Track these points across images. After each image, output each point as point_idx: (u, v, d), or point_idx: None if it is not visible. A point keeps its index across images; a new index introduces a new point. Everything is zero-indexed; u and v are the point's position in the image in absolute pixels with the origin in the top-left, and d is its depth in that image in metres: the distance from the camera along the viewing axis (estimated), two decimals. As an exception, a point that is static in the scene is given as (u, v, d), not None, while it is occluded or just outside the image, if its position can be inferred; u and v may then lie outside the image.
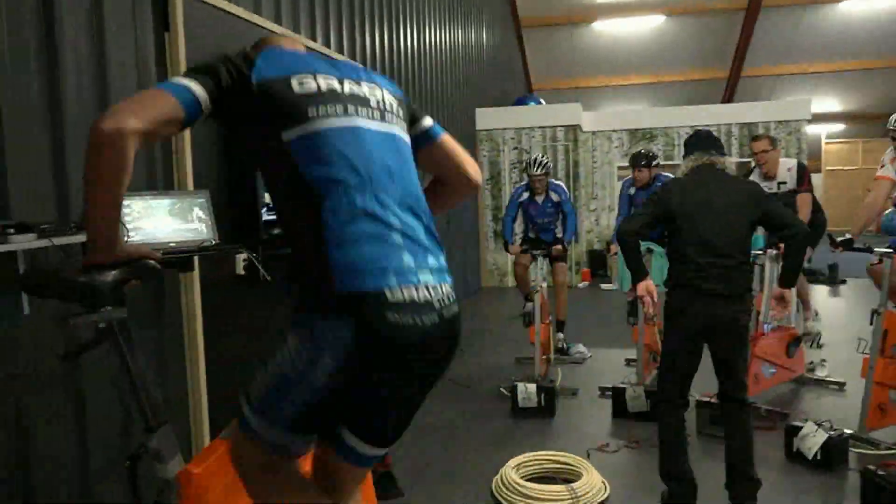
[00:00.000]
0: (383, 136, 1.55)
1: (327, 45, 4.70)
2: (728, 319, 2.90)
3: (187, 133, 3.04)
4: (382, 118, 1.57)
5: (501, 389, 4.64)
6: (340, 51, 5.09)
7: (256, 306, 3.53)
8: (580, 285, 10.21)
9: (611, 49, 15.74)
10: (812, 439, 3.53)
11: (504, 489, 3.24)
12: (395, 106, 1.63)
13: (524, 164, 5.51)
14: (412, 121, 1.69)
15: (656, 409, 3.28)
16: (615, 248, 5.40)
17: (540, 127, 9.92)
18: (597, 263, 10.11)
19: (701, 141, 3.17)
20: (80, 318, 1.35)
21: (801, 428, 3.61)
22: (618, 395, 4.38)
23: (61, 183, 2.37)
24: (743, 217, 2.94)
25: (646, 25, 15.01)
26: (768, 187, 4.82)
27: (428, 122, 1.75)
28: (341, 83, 1.54)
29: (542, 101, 12.50)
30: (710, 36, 15.43)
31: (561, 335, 5.83)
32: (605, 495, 3.29)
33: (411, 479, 3.57)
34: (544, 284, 5.53)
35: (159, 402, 1.45)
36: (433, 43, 7.89)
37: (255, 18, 3.60)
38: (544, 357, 5.05)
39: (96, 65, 2.58)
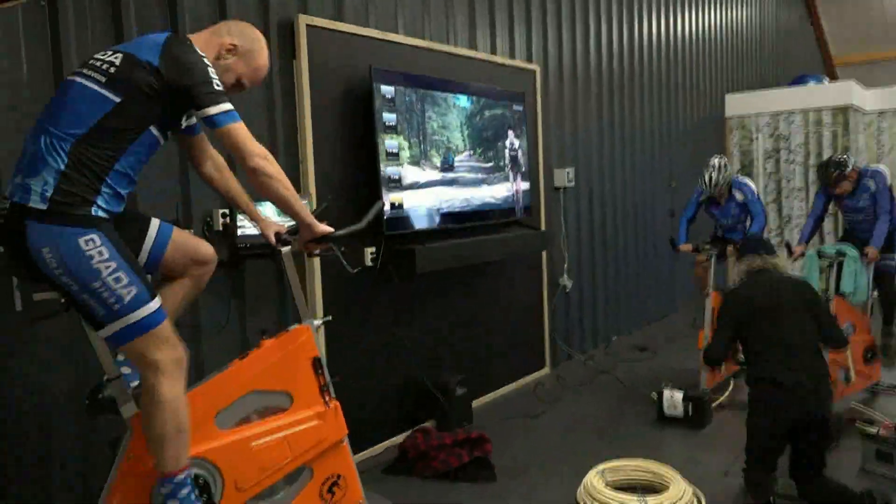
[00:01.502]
0: (66, 83, 1.94)
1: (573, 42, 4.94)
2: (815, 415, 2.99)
3: (309, 144, 3.56)
4: (82, 73, 1.92)
5: (653, 394, 4.43)
6: (586, 42, 5.54)
7: (374, 293, 3.95)
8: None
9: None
10: None
11: (584, 492, 3.21)
12: (111, 65, 1.90)
13: (700, 182, 5.00)
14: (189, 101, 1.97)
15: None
16: (799, 249, 4.69)
17: (801, 110, 8.77)
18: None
19: (750, 245, 3.52)
20: (42, 292, 1.86)
21: None
22: (776, 414, 3.91)
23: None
24: (807, 317, 3.17)
25: None
26: None
27: (205, 112, 1.95)
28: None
29: (825, 79, 10.98)
30: None
31: None
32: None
33: (515, 467, 3.69)
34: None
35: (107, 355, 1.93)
36: (680, 30, 7.64)
37: (391, 36, 4.02)
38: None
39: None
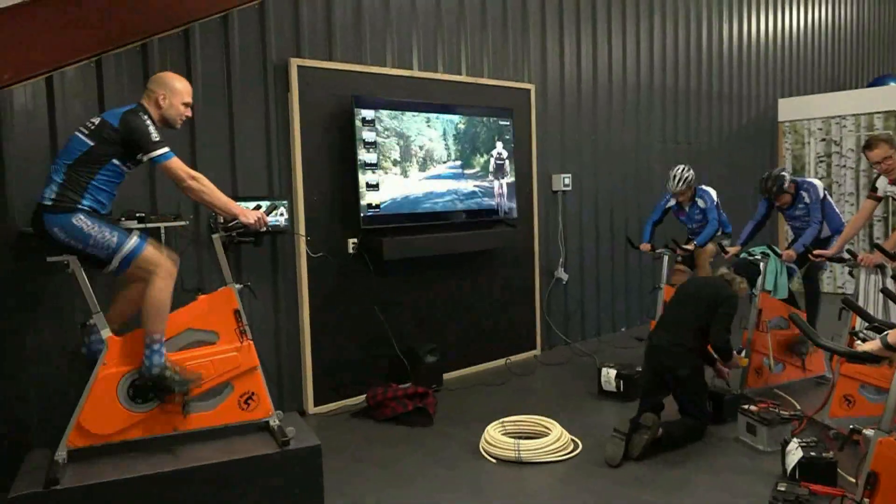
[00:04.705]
0: (71, 136, 3.07)
1: (578, 60, 5.77)
2: (670, 370, 3.97)
3: (298, 157, 4.61)
4: (79, 129, 3.05)
5: (598, 369, 5.08)
6: (592, 60, 6.39)
7: (357, 275, 4.94)
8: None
9: None
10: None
11: (483, 438, 4.04)
12: (93, 124, 3.03)
13: (668, 184, 5.59)
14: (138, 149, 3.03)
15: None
16: (733, 250, 5.11)
17: (853, 115, 8.77)
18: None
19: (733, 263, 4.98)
20: (55, 257, 3.00)
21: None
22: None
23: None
24: (702, 309, 4.06)
25: None
26: (893, 193, 4.19)
27: (148, 156, 3.02)
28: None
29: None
30: None
31: None
32: (570, 454, 3.90)
33: (457, 419, 4.55)
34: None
35: (94, 301, 3.06)
36: (733, 35, 8.30)
37: (377, 69, 4.99)
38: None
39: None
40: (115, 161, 3.06)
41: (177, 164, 3.06)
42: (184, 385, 3.08)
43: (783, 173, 5.08)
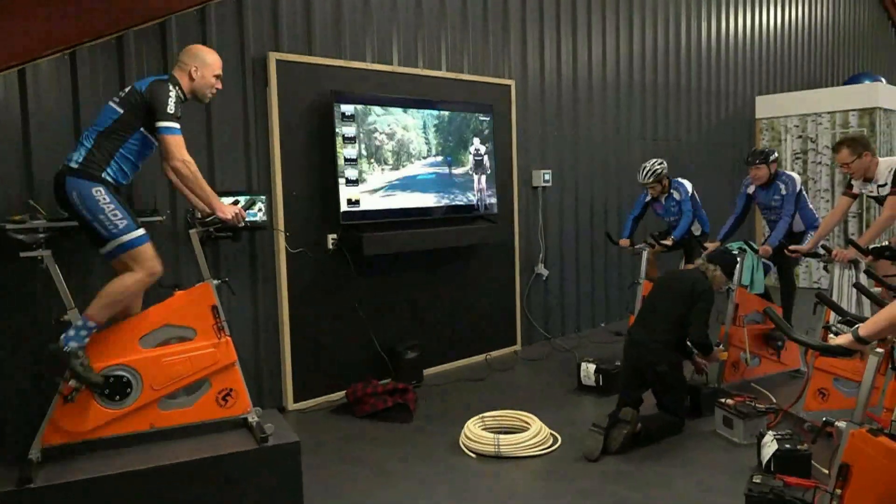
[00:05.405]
0: (104, 105, 3.14)
1: (558, 57, 5.76)
2: (646, 363, 4.01)
3: (277, 151, 4.57)
4: (112, 98, 3.12)
5: (578, 364, 5.10)
6: (573, 56, 6.42)
7: (337, 271, 4.92)
8: None
9: None
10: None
11: (463, 434, 4.04)
12: (124, 93, 3.10)
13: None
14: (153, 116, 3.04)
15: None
16: (712, 245, 5.17)
17: (828, 112, 8.89)
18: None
19: (709, 254, 4.70)
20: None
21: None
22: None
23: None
24: (679, 303, 4.05)
25: None
26: (868, 190, 4.26)
27: (157, 124, 3.02)
28: None
29: (882, 79, 10.82)
30: None
31: None
32: (549, 449, 3.92)
33: (437, 415, 4.55)
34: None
35: (69, 298, 3.01)
36: (712, 34, 8.35)
37: (357, 64, 4.96)
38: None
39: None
40: (143, 130, 3.09)
41: (179, 141, 3.07)
42: (83, 380, 2.95)
43: (769, 150, 5.18)
